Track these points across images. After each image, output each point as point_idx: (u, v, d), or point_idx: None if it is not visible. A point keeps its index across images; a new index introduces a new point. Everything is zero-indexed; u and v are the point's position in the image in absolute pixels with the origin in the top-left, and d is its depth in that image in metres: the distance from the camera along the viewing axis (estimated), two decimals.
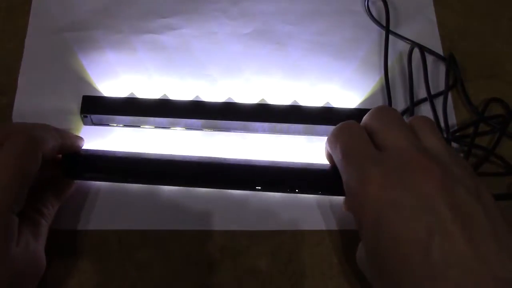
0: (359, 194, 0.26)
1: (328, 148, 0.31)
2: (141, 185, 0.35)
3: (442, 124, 0.38)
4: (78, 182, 0.34)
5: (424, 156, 0.25)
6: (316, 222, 0.34)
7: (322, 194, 0.33)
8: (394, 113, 0.29)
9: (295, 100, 0.38)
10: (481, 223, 0.23)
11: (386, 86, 0.39)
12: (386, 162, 0.26)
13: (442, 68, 0.40)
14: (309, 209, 0.35)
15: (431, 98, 0.38)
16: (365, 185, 0.26)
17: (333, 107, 0.37)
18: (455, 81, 0.39)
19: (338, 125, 0.31)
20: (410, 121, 0.29)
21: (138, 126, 0.37)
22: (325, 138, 0.34)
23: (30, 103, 0.37)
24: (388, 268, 0.24)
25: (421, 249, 0.22)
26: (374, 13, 0.42)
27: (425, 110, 0.39)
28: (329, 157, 0.32)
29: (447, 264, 0.22)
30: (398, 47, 0.41)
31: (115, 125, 0.37)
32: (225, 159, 0.33)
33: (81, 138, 0.34)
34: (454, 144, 0.37)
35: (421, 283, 0.22)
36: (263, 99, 0.38)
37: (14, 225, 0.26)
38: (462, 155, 0.37)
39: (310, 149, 0.37)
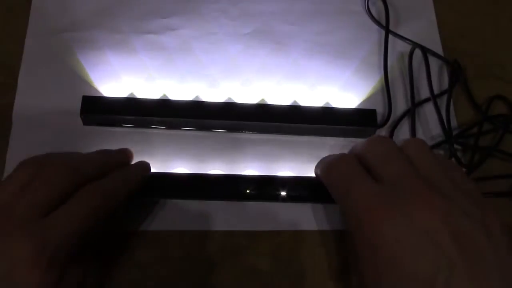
0: (360, 229, 0.25)
1: (321, 176, 0.31)
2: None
3: (445, 124, 0.37)
4: None
5: (424, 187, 0.25)
6: (316, 222, 0.34)
7: (316, 202, 0.34)
8: (388, 143, 0.29)
9: (295, 100, 0.38)
10: (487, 258, 0.23)
11: (386, 86, 0.39)
12: (386, 195, 0.25)
13: (442, 68, 0.40)
14: (309, 209, 0.35)
15: (434, 98, 0.38)
16: (368, 217, 0.25)
17: (333, 107, 0.37)
18: (458, 81, 0.39)
19: (331, 156, 0.31)
20: (403, 147, 0.29)
21: (138, 126, 0.37)
22: (325, 138, 0.35)
23: (30, 103, 0.37)
24: None
25: (428, 286, 0.22)
26: (374, 13, 0.42)
27: (426, 110, 0.39)
28: (320, 180, 0.32)
29: None
30: (398, 47, 0.41)
31: (115, 125, 0.37)
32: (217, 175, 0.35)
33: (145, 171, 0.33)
34: (456, 146, 0.37)
35: None
36: (263, 99, 0.38)
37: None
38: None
39: (310, 149, 0.37)
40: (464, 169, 0.34)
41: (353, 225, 0.26)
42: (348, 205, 0.27)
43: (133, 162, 0.35)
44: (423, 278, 0.22)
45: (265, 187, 0.34)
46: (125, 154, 0.34)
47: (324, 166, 0.31)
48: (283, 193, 0.34)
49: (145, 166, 0.33)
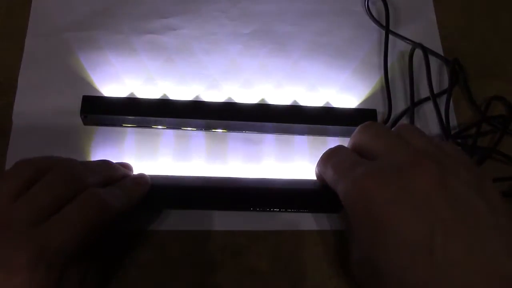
0: (356, 197, 0.26)
1: (319, 171, 0.31)
2: None
3: (444, 124, 0.37)
4: None
5: (418, 154, 0.25)
6: (316, 222, 0.34)
7: (311, 212, 0.34)
8: (379, 125, 0.29)
9: (295, 100, 0.38)
10: (483, 219, 0.23)
11: (386, 86, 0.39)
12: (380, 165, 0.26)
13: (442, 68, 0.41)
14: None
15: (434, 98, 0.38)
16: (362, 188, 0.25)
17: (333, 107, 0.37)
18: (457, 81, 0.39)
19: (325, 151, 0.31)
20: (395, 130, 0.29)
21: (138, 126, 0.37)
22: (325, 138, 0.35)
23: (30, 103, 0.37)
24: (388, 271, 0.23)
25: (424, 250, 0.22)
26: (374, 13, 0.42)
27: (425, 110, 0.39)
28: (321, 179, 0.32)
29: (451, 264, 0.22)
30: (398, 47, 0.41)
31: (115, 125, 0.37)
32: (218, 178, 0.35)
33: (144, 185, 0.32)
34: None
35: (425, 284, 0.22)
36: (263, 99, 0.38)
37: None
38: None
39: (310, 149, 0.37)
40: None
41: (349, 200, 0.26)
42: (344, 185, 0.27)
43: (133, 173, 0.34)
44: (419, 241, 0.22)
45: (265, 201, 0.34)
46: (127, 168, 0.34)
47: (321, 159, 0.31)
48: (283, 208, 0.34)
49: (145, 180, 0.33)
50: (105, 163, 0.32)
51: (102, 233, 0.28)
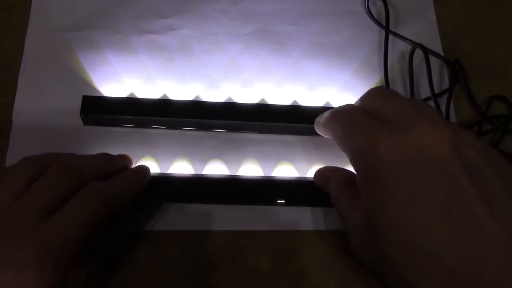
0: (370, 157, 0.24)
1: (326, 126, 0.30)
2: None
3: None
4: None
5: (431, 118, 0.24)
6: (316, 222, 0.34)
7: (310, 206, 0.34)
8: (388, 89, 0.29)
9: (295, 100, 0.38)
10: (495, 185, 0.22)
11: (386, 86, 0.39)
12: (394, 126, 0.25)
13: (442, 68, 0.41)
14: (309, 210, 0.35)
15: (435, 97, 0.38)
16: (376, 146, 0.24)
17: (333, 107, 0.37)
18: (458, 81, 0.39)
19: (334, 108, 0.31)
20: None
21: (138, 126, 0.37)
22: (325, 138, 0.35)
23: (30, 103, 0.37)
24: (404, 235, 0.22)
25: (441, 212, 0.22)
26: (374, 13, 0.42)
27: None
28: (324, 134, 0.32)
29: (468, 226, 0.21)
30: (398, 47, 0.41)
31: (115, 125, 0.37)
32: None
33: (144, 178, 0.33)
34: None
35: (442, 245, 0.21)
36: (263, 99, 0.38)
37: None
38: None
39: (310, 149, 0.37)
40: None
41: (361, 159, 0.25)
42: (358, 143, 0.26)
43: (133, 166, 0.35)
44: (436, 203, 0.22)
45: (265, 193, 0.34)
46: (126, 160, 0.34)
47: (330, 115, 0.30)
48: (283, 200, 0.34)
49: (145, 171, 0.33)
50: (105, 156, 0.32)
51: (104, 230, 0.28)
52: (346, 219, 0.27)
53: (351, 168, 0.29)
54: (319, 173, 0.33)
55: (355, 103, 0.30)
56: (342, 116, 0.29)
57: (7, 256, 0.24)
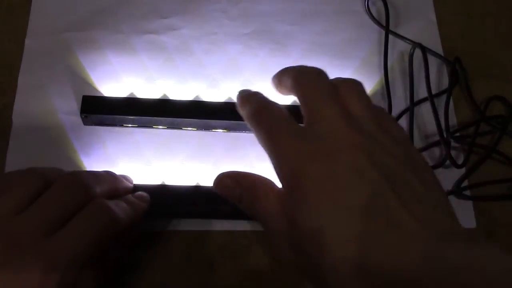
0: (291, 169, 0.25)
1: (249, 122, 0.29)
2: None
3: (443, 124, 0.38)
4: None
5: (350, 128, 0.25)
6: None
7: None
8: (321, 80, 0.28)
9: (294, 101, 0.38)
10: (413, 184, 0.23)
11: (386, 86, 0.39)
12: (313, 137, 0.25)
13: (442, 68, 0.41)
14: None
15: (432, 97, 0.38)
16: (297, 160, 0.24)
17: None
18: (458, 81, 0.39)
19: (256, 101, 0.29)
20: (339, 84, 0.28)
21: (138, 126, 0.37)
22: None
23: (30, 103, 0.37)
24: (328, 241, 0.23)
25: (361, 215, 0.22)
26: (374, 13, 0.42)
27: (425, 109, 0.39)
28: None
29: (388, 226, 0.22)
30: (398, 47, 0.41)
31: (115, 125, 0.37)
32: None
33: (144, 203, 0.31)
34: (454, 144, 0.38)
35: (365, 247, 0.22)
36: None
37: None
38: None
39: None
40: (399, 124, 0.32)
41: (281, 173, 0.25)
42: (276, 155, 0.26)
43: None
44: (356, 207, 0.22)
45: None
46: (130, 182, 0.33)
47: (252, 116, 0.29)
48: None
49: (147, 197, 0.32)
50: (110, 174, 0.31)
51: (107, 244, 0.27)
52: (267, 227, 0.27)
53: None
54: (220, 181, 0.29)
55: (285, 70, 0.30)
56: (264, 118, 0.28)
57: (11, 276, 0.23)
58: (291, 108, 0.28)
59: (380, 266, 0.21)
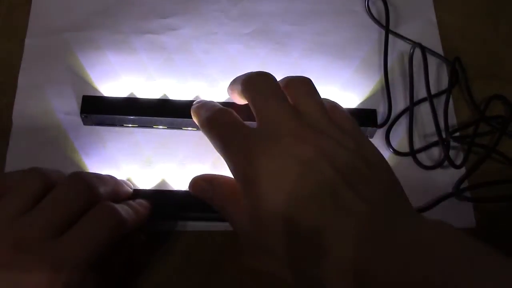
0: (245, 169, 0.25)
1: (202, 128, 0.30)
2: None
3: (443, 124, 0.38)
4: None
5: (299, 125, 0.26)
6: None
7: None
8: (267, 82, 0.28)
9: None
10: (369, 182, 0.24)
11: (386, 85, 0.39)
12: (265, 138, 0.26)
13: (442, 68, 0.41)
14: None
15: (431, 97, 0.38)
16: (251, 162, 0.25)
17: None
18: (457, 81, 0.39)
19: (210, 108, 0.30)
20: (287, 83, 0.29)
21: (138, 126, 0.37)
22: None
23: (30, 103, 0.37)
24: (286, 229, 0.24)
25: (315, 201, 0.23)
26: (374, 13, 0.42)
27: (425, 109, 0.39)
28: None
29: (339, 210, 0.23)
30: (398, 47, 0.41)
31: (115, 125, 0.37)
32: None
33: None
34: (454, 144, 0.38)
35: (319, 231, 0.23)
36: None
37: None
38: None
39: None
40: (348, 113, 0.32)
41: (237, 175, 0.26)
42: (230, 158, 0.27)
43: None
44: (309, 196, 0.23)
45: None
46: (129, 188, 0.33)
47: (204, 123, 0.30)
48: None
49: (147, 206, 0.32)
50: (113, 178, 0.31)
51: (113, 248, 0.27)
52: (235, 228, 0.28)
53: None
54: (195, 183, 0.30)
55: (236, 80, 0.30)
56: (217, 124, 0.29)
57: (18, 277, 0.23)
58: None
59: (332, 246, 0.23)
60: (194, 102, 0.32)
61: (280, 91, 0.28)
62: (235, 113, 0.29)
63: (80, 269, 0.24)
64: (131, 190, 0.33)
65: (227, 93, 0.32)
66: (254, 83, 0.29)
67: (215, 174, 0.30)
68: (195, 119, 0.31)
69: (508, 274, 0.20)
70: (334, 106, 0.30)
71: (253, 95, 0.28)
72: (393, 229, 0.22)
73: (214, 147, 0.29)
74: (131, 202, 0.30)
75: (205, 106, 0.31)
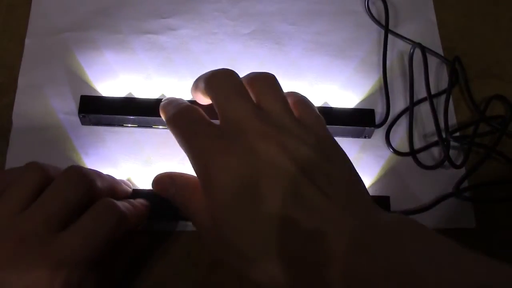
0: (206, 167, 0.25)
1: (168, 123, 0.30)
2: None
3: (443, 124, 0.38)
4: None
5: (261, 122, 0.26)
6: None
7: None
8: (230, 80, 0.28)
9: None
10: (329, 175, 0.24)
11: (384, 85, 0.39)
12: (226, 135, 0.26)
13: (442, 68, 0.41)
14: None
15: (431, 97, 0.38)
16: (211, 158, 0.25)
17: (331, 107, 0.37)
18: (457, 81, 0.39)
19: (175, 104, 0.30)
20: (250, 81, 0.29)
21: (136, 126, 0.37)
22: None
23: (30, 103, 0.37)
24: (247, 227, 0.24)
25: (276, 201, 0.23)
26: (374, 13, 0.42)
27: (425, 109, 0.39)
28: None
29: (303, 209, 0.23)
30: (398, 47, 0.41)
31: (113, 125, 0.37)
32: None
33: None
34: (454, 144, 0.38)
35: (283, 231, 0.23)
36: None
37: None
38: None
39: None
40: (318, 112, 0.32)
41: (198, 172, 0.26)
42: (193, 154, 0.27)
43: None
44: (271, 195, 0.23)
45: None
46: (128, 187, 0.33)
47: (170, 119, 0.30)
48: None
49: (146, 204, 0.32)
50: (110, 176, 0.31)
51: (114, 245, 0.27)
52: (197, 227, 0.28)
53: None
54: (158, 180, 0.30)
55: (199, 78, 0.30)
56: (181, 121, 0.29)
57: (18, 273, 0.23)
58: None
59: (301, 250, 0.23)
60: (163, 100, 0.32)
61: (243, 89, 0.28)
62: (201, 111, 0.29)
63: (81, 266, 0.24)
64: (130, 189, 0.33)
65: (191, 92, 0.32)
66: (217, 81, 0.29)
67: (178, 172, 0.30)
68: (162, 116, 0.31)
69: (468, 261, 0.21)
70: (298, 100, 0.30)
71: (215, 92, 0.28)
72: (358, 222, 0.23)
73: (178, 143, 0.28)
74: (131, 200, 0.30)
75: (172, 103, 0.31)
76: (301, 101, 0.30)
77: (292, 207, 0.23)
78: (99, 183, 0.28)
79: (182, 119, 0.29)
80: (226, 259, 0.26)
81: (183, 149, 0.28)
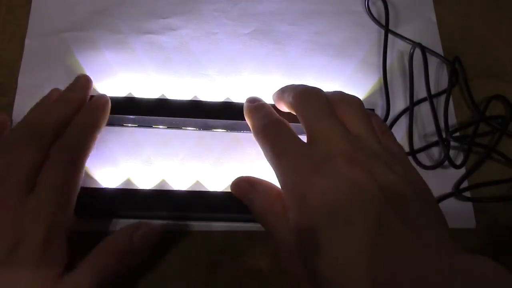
0: (297, 182, 0.26)
1: (257, 136, 0.31)
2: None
3: (443, 124, 0.38)
4: None
5: (351, 146, 0.26)
6: None
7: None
8: (320, 100, 0.29)
9: None
10: (414, 208, 0.24)
11: (385, 85, 0.39)
12: (316, 156, 0.26)
13: (442, 68, 0.41)
14: None
15: (431, 97, 0.38)
16: (302, 174, 0.26)
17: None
18: (457, 81, 0.39)
19: (260, 118, 0.31)
20: (338, 99, 0.29)
21: (137, 126, 0.37)
22: None
23: (30, 103, 0.37)
24: (332, 254, 0.24)
25: (362, 229, 0.23)
26: (374, 13, 0.42)
27: (425, 109, 0.39)
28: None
29: (386, 239, 0.23)
30: (398, 47, 0.41)
31: (113, 124, 0.37)
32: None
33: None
34: (454, 144, 0.38)
35: (366, 257, 0.23)
36: None
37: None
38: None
39: None
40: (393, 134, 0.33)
41: (287, 186, 0.27)
42: (282, 168, 0.27)
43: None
44: (357, 222, 0.23)
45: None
46: (85, 88, 0.34)
47: (260, 128, 0.30)
48: None
49: (105, 100, 0.33)
50: (60, 101, 0.33)
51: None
52: (275, 236, 0.27)
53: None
54: (237, 184, 0.31)
55: (284, 90, 0.32)
56: (271, 136, 0.29)
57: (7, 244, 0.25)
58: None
59: (381, 275, 0.22)
60: (247, 100, 0.33)
61: (332, 111, 0.28)
62: (290, 126, 0.29)
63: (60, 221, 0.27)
64: (87, 90, 0.34)
65: (272, 99, 0.34)
66: (308, 99, 0.29)
67: (258, 178, 0.30)
68: (248, 122, 0.32)
69: None
70: (383, 126, 0.30)
71: (306, 111, 0.29)
72: (432, 258, 0.22)
73: (265, 154, 0.29)
74: (83, 117, 0.32)
75: (261, 111, 0.32)
76: (385, 128, 0.31)
77: (376, 235, 0.23)
78: (49, 128, 0.30)
79: (272, 133, 0.29)
80: (299, 272, 0.26)
81: (270, 163, 0.29)
